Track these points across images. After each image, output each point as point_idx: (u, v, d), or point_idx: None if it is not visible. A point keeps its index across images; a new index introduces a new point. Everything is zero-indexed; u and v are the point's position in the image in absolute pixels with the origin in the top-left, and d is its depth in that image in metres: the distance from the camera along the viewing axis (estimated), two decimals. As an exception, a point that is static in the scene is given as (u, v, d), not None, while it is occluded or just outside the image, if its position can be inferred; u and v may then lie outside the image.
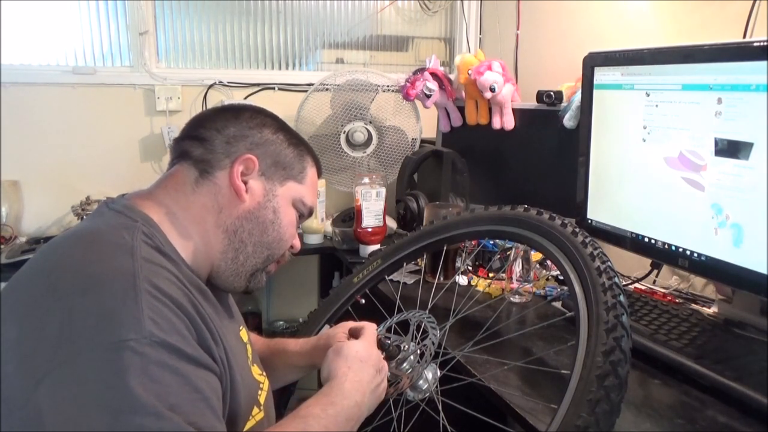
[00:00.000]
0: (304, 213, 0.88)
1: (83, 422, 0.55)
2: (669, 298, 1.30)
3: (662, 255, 1.14)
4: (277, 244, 0.84)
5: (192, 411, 0.60)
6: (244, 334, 0.89)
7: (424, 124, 2.12)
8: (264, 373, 0.91)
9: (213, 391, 0.65)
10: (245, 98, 2.13)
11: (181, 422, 0.57)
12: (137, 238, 0.69)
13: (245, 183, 0.80)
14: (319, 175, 0.92)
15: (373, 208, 1.66)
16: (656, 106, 1.11)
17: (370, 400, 0.83)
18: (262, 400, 0.85)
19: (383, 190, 1.68)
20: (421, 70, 1.83)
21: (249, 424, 0.78)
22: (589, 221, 1.31)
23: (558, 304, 1.29)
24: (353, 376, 0.82)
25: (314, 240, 1.90)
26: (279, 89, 2.19)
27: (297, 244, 0.89)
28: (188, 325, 0.66)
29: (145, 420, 0.56)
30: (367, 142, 2.06)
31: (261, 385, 0.87)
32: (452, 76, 1.85)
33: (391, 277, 1.22)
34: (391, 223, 1.84)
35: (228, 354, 0.72)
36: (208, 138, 0.80)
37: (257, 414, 0.81)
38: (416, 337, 0.95)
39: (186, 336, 0.64)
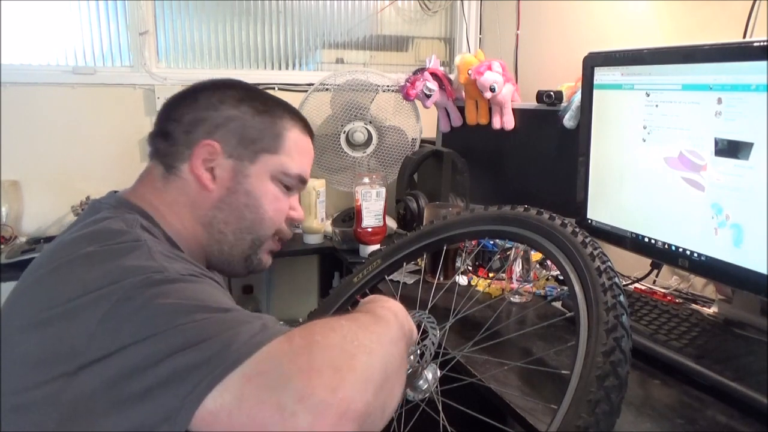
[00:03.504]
0: (291, 184, 0.82)
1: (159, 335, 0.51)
2: (669, 298, 1.30)
3: (662, 255, 1.14)
4: (259, 226, 0.80)
5: (245, 313, 0.56)
6: None
7: (424, 124, 2.12)
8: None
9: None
10: (245, 98, 2.13)
11: (245, 311, 0.55)
12: (136, 226, 0.68)
13: (212, 170, 0.76)
14: (310, 135, 0.86)
15: (373, 208, 1.66)
16: (656, 106, 1.11)
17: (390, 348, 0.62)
18: None
19: (383, 190, 1.68)
20: (421, 70, 1.82)
21: None
22: (589, 221, 1.31)
23: (558, 304, 1.29)
24: (381, 311, 0.67)
25: (314, 240, 1.90)
26: (279, 89, 2.19)
27: (296, 215, 0.84)
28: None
29: (205, 315, 0.52)
30: (367, 142, 2.06)
31: None
32: (452, 76, 1.85)
33: (391, 277, 1.22)
34: (391, 223, 1.84)
35: None
36: (170, 131, 0.77)
37: None
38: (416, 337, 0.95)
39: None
